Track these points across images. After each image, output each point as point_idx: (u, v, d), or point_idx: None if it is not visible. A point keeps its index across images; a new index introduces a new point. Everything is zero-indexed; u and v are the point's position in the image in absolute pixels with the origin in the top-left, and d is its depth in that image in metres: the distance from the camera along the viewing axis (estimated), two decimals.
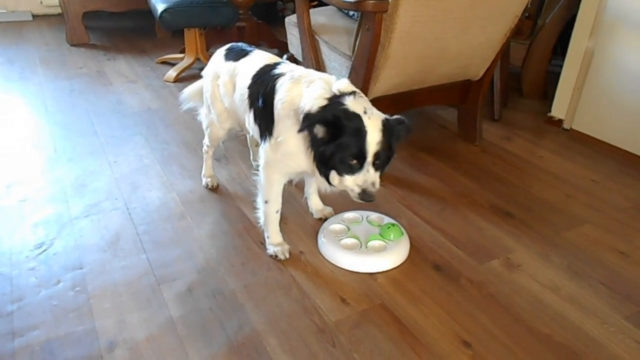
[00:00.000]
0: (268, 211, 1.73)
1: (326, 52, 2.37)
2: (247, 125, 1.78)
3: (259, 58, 1.78)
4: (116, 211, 1.99)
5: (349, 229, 1.86)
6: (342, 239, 1.80)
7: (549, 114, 2.92)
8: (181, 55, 3.52)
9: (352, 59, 2.14)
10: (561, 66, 2.82)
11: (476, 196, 2.19)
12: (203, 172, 2.18)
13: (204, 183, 2.17)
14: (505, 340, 1.47)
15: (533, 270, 1.76)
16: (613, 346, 1.47)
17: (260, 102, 1.64)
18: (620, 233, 1.98)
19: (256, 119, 1.69)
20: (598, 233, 1.97)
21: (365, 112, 1.42)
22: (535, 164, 2.49)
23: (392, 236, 1.80)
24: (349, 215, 1.93)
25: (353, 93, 1.47)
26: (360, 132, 1.39)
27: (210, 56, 2.01)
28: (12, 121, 2.72)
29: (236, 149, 2.47)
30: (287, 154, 1.58)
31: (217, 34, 3.80)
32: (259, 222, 1.80)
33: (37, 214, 1.96)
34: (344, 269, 1.72)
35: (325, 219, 1.93)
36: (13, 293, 1.58)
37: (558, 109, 2.87)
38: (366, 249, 1.76)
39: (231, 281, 1.66)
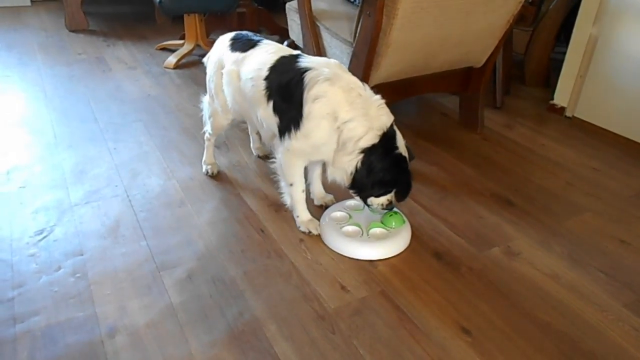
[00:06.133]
0: (294, 192, 1.80)
1: (327, 39, 2.35)
2: (258, 115, 1.77)
3: (271, 49, 1.78)
4: (116, 198, 1.99)
5: (350, 216, 1.86)
6: (343, 227, 1.79)
7: (551, 102, 2.90)
8: (181, 42, 3.49)
9: (353, 45, 2.12)
10: (564, 53, 2.80)
11: (477, 184, 2.18)
12: (204, 159, 2.18)
13: (204, 170, 2.16)
14: (504, 328, 1.48)
15: (533, 259, 1.76)
16: (612, 334, 1.47)
17: (282, 94, 1.65)
18: (621, 221, 1.98)
19: (276, 110, 1.70)
20: (599, 221, 1.97)
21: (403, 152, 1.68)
22: (536, 152, 2.48)
23: (393, 224, 1.79)
24: (351, 202, 1.92)
25: (393, 124, 1.65)
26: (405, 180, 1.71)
27: (211, 42, 1.99)
28: (11, 107, 2.70)
29: (237, 137, 2.46)
30: (315, 147, 1.66)
31: (217, 20, 3.77)
32: (286, 205, 1.87)
33: (37, 201, 1.95)
34: (344, 256, 1.72)
35: (327, 207, 1.92)
36: (14, 279, 1.58)
37: (560, 97, 2.85)
38: (367, 237, 1.76)
39: (231, 268, 1.66)
